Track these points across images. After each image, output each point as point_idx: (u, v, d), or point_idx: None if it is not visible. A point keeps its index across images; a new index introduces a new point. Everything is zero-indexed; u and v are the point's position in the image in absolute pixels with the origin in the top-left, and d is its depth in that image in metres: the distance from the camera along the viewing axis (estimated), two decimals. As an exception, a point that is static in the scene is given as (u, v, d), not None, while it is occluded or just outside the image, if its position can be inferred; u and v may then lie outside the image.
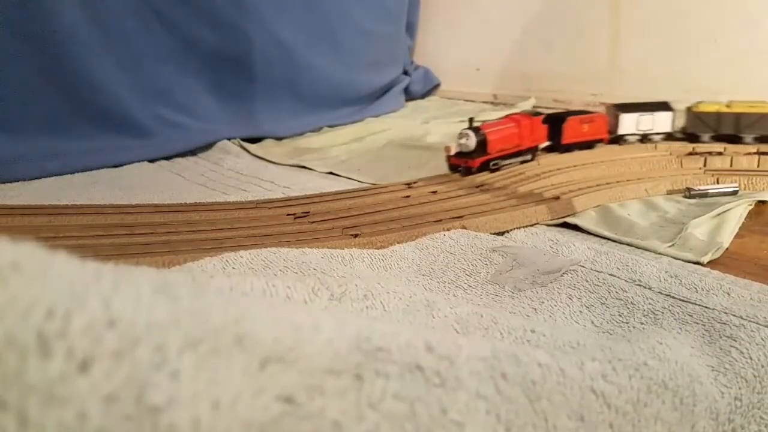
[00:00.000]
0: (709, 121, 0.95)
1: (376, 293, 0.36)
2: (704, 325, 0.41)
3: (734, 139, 0.93)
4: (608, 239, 0.62)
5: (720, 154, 0.89)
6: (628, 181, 0.82)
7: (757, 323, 0.41)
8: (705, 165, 0.88)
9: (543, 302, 0.47)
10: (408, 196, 0.72)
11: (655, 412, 0.27)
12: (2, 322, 0.15)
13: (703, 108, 0.95)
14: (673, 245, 0.60)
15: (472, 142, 0.81)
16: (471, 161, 0.82)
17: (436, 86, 1.75)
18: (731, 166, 0.87)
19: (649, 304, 0.45)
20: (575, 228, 0.66)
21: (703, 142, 0.93)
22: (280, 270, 0.46)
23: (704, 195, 0.76)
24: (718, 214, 0.70)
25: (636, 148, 0.99)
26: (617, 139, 0.95)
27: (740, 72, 1.17)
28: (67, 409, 0.14)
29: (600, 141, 0.94)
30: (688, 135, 0.95)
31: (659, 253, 0.58)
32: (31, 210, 0.56)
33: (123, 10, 1.02)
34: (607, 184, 0.80)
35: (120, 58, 1.01)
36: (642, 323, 0.43)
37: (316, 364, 0.18)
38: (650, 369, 0.28)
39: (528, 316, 0.44)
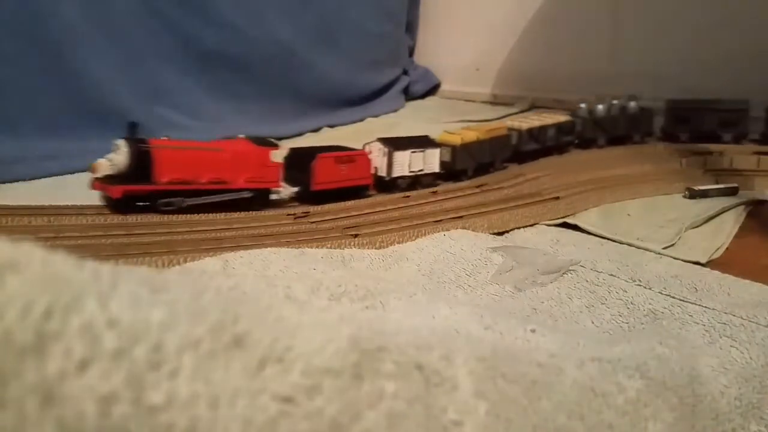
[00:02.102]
0: (472, 151, 0.82)
1: (376, 293, 0.36)
2: (704, 325, 0.41)
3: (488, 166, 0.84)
4: (608, 239, 0.62)
5: (720, 154, 0.89)
6: (628, 181, 0.82)
7: (757, 323, 0.40)
8: (705, 165, 0.88)
9: (543, 302, 0.47)
10: (408, 196, 0.72)
11: (655, 412, 0.27)
12: (1, 321, 0.15)
13: (444, 139, 0.80)
14: (673, 245, 0.60)
15: (122, 158, 0.55)
16: (111, 188, 0.56)
17: (436, 86, 1.75)
18: (731, 165, 0.87)
19: (649, 304, 0.45)
20: (575, 228, 0.66)
21: (469, 178, 0.81)
22: (280, 270, 0.46)
23: (704, 195, 0.76)
24: (718, 214, 0.70)
25: (636, 148, 0.99)
26: (390, 185, 0.74)
27: (740, 72, 1.17)
28: (66, 409, 0.14)
29: (364, 187, 0.73)
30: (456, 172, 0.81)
31: (659, 254, 0.58)
32: (31, 210, 0.56)
33: (123, 10, 1.02)
34: (607, 184, 0.80)
35: (120, 58, 1.01)
36: (642, 323, 0.43)
37: (314, 364, 0.18)
38: (650, 369, 0.28)
39: (528, 316, 0.44)
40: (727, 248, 0.60)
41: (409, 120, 1.39)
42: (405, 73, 1.69)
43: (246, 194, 0.64)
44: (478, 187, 0.77)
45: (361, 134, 1.23)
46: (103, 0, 0.99)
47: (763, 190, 0.80)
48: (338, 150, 0.72)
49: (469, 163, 0.82)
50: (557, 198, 0.73)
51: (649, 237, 0.62)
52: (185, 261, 0.49)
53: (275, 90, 1.25)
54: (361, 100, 1.46)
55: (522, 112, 1.41)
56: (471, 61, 1.68)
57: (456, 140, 0.80)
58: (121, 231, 0.54)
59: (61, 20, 0.93)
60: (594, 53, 1.42)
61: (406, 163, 0.75)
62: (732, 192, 0.77)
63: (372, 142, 0.76)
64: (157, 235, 0.54)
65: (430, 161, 0.78)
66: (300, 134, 1.23)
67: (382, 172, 0.74)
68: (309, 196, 0.68)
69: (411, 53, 1.78)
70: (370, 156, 0.74)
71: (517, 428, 0.22)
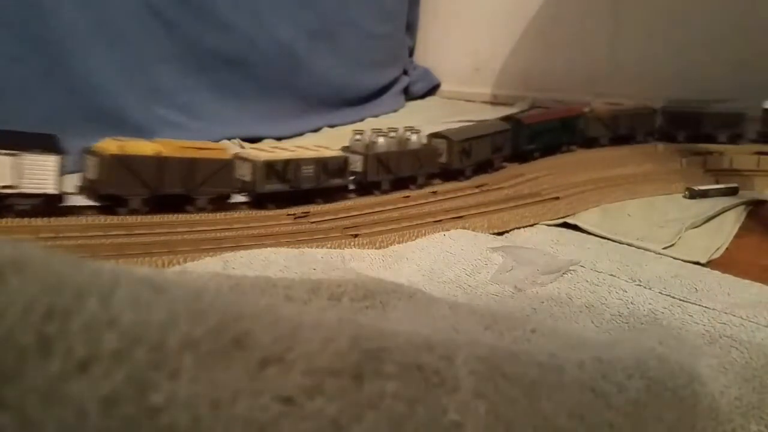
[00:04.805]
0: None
1: (375, 293, 0.36)
2: (704, 325, 0.41)
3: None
4: (608, 239, 0.62)
5: (720, 154, 0.89)
6: (628, 181, 0.82)
7: (757, 323, 0.41)
8: (705, 165, 0.88)
9: (543, 302, 0.47)
10: (408, 196, 0.72)
11: (655, 412, 0.27)
12: (2, 321, 0.15)
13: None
14: (673, 245, 0.60)
15: None
16: None
17: (436, 86, 1.75)
18: (731, 165, 0.87)
19: (649, 304, 0.45)
20: (575, 228, 0.66)
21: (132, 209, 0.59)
22: (280, 270, 0.46)
23: (704, 195, 0.76)
24: (718, 214, 0.70)
25: (636, 148, 0.99)
26: None
27: (740, 73, 1.17)
28: (67, 409, 0.14)
29: None
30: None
31: (659, 254, 0.58)
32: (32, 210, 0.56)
33: (123, 10, 1.02)
34: (607, 184, 0.80)
35: (120, 58, 1.01)
36: (642, 323, 0.43)
37: (315, 364, 0.18)
38: (650, 369, 0.28)
39: (528, 316, 0.44)
40: (727, 248, 0.60)
41: (409, 120, 1.39)
42: (405, 73, 1.69)
43: None
44: (477, 187, 0.77)
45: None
46: (103, 0, 0.99)
47: (763, 190, 0.80)
48: None
49: (130, 187, 0.58)
50: (557, 198, 0.73)
51: (649, 237, 0.62)
52: (185, 261, 0.49)
53: (275, 90, 1.25)
54: (361, 100, 1.46)
55: (522, 112, 1.41)
56: (471, 61, 1.68)
57: (109, 149, 0.57)
58: (121, 231, 0.54)
59: (62, 20, 0.93)
60: (594, 53, 1.42)
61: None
62: (732, 192, 0.77)
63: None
64: (157, 235, 0.54)
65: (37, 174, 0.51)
66: (300, 134, 1.23)
67: None
68: None
69: (411, 53, 1.78)
70: None
71: (518, 428, 0.22)
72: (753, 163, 0.85)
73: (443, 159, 0.80)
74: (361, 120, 1.37)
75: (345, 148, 0.74)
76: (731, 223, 0.67)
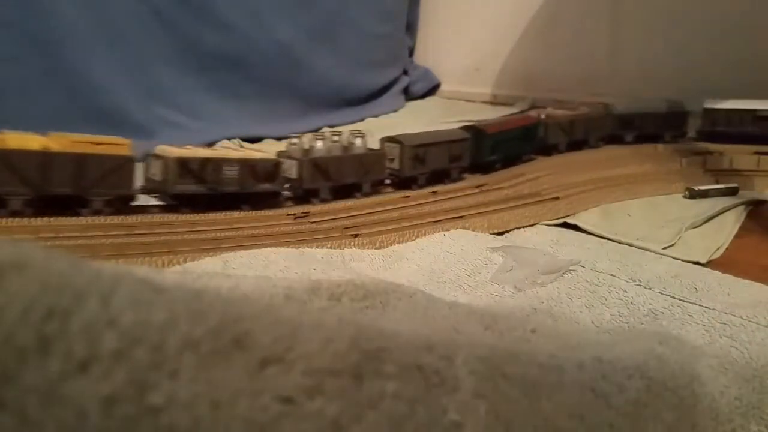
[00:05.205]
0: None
1: (375, 293, 0.36)
2: (704, 325, 0.41)
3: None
4: (608, 239, 0.62)
5: (720, 154, 0.89)
6: (628, 181, 0.82)
7: (757, 323, 0.40)
8: (705, 165, 0.88)
9: (543, 302, 0.47)
10: (408, 196, 0.72)
11: (655, 412, 0.27)
12: (2, 321, 0.15)
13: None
14: (673, 245, 0.60)
15: None
16: None
17: (436, 86, 1.75)
18: (731, 166, 0.87)
19: (649, 304, 0.45)
20: (575, 228, 0.66)
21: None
22: (280, 270, 0.46)
23: (704, 195, 0.76)
24: (718, 214, 0.70)
25: (636, 148, 0.99)
26: None
27: (740, 73, 1.17)
28: (67, 410, 0.14)
29: None
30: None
31: (659, 254, 0.58)
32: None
33: (123, 10, 1.02)
34: (607, 184, 0.80)
35: (120, 58, 1.01)
36: (642, 323, 0.43)
37: (315, 364, 0.18)
38: (650, 369, 0.28)
39: (528, 316, 0.44)
40: (727, 248, 0.60)
41: (409, 120, 1.39)
42: (405, 73, 1.69)
43: None
44: (477, 187, 0.77)
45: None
46: (103, 0, 0.99)
47: (763, 190, 0.80)
48: None
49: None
50: (557, 198, 0.73)
51: (649, 237, 0.62)
52: (185, 261, 0.49)
53: (275, 90, 1.25)
54: (361, 100, 1.46)
55: (522, 112, 1.41)
56: (471, 61, 1.68)
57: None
58: (121, 231, 0.54)
59: (62, 20, 0.93)
60: (594, 53, 1.42)
61: None
62: (732, 192, 0.77)
63: None
64: (157, 235, 0.54)
65: None
66: (300, 134, 1.23)
67: None
68: None
69: (411, 53, 1.78)
70: None
71: (518, 428, 0.22)
72: (753, 163, 0.85)
73: (395, 165, 0.74)
74: (361, 120, 1.37)
75: (281, 153, 0.69)
76: (731, 223, 0.67)
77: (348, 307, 0.34)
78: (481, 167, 0.83)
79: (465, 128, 0.83)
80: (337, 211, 0.66)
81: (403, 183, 0.75)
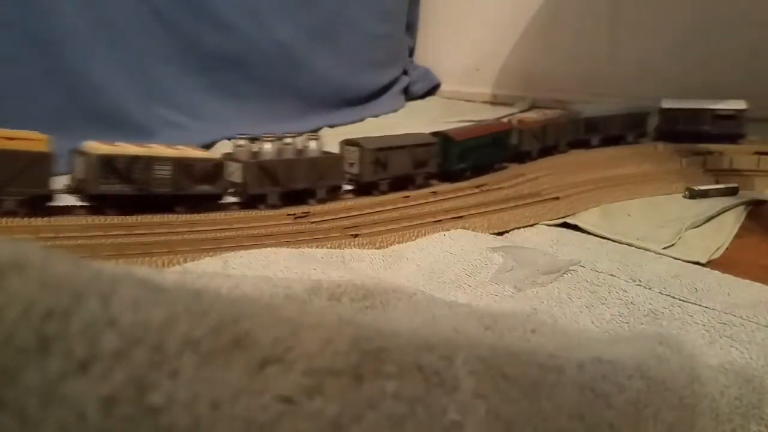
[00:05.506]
0: None
1: (375, 293, 0.36)
2: (704, 325, 0.41)
3: None
4: (608, 239, 0.62)
5: (720, 154, 0.89)
6: (628, 181, 0.82)
7: (757, 323, 0.40)
8: (705, 165, 0.88)
9: (543, 302, 0.47)
10: (408, 196, 0.72)
11: (655, 412, 0.27)
12: (2, 321, 0.15)
13: None
14: (673, 245, 0.60)
15: None
16: None
17: (436, 86, 1.75)
18: (731, 165, 0.87)
19: (649, 304, 0.45)
20: (575, 228, 0.66)
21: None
22: (280, 270, 0.46)
23: (704, 195, 0.76)
24: (718, 214, 0.70)
25: (635, 148, 0.99)
26: None
27: (739, 73, 1.17)
28: (66, 410, 0.14)
29: None
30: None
31: (659, 254, 0.58)
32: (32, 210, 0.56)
33: (123, 10, 1.02)
34: (607, 184, 0.80)
35: (120, 58, 1.01)
36: (642, 323, 0.43)
37: (315, 364, 0.18)
38: (650, 369, 0.28)
39: (528, 316, 0.44)
40: (727, 248, 0.60)
41: (408, 120, 1.39)
42: (405, 73, 1.69)
43: None
44: (477, 187, 0.77)
45: (361, 134, 1.24)
46: (103, 0, 0.99)
47: (763, 190, 0.80)
48: None
49: None
50: (557, 198, 0.73)
51: (649, 237, 0.62)
52: (185, 261, 0.49)
53: (275, 90, 1.25)
54: (360, 100, 1.46)
55: (522, 112, 1.41)
56: (471, 61, 1.68)
57: None
58: (121, 231, 0.54)
59: (62, 20, 0.93)
60: (593, 53, 1.42)
61: None
62: (732, 192, 0.77)
63: None
64: (157, 235, 0.54)
65: None
66: (300, 134, 1.23)
67: None
68: None
69: (411, 53, 1.78)
70: None
71: (518, 428, 0.22)
72: (753, 163, 0.86)
73: (354, 170, 0.70)
74: (361, 120, 1.37)
75: (226, 155, 0.65)
76: (731, 223, 0.67)
77: (348, 307, 0.34)
78: (450, 176, 0.79)
79: (433, 134, 0.79)
80: (337, 211, 0.66)
81: (363, 188, 0.71)
